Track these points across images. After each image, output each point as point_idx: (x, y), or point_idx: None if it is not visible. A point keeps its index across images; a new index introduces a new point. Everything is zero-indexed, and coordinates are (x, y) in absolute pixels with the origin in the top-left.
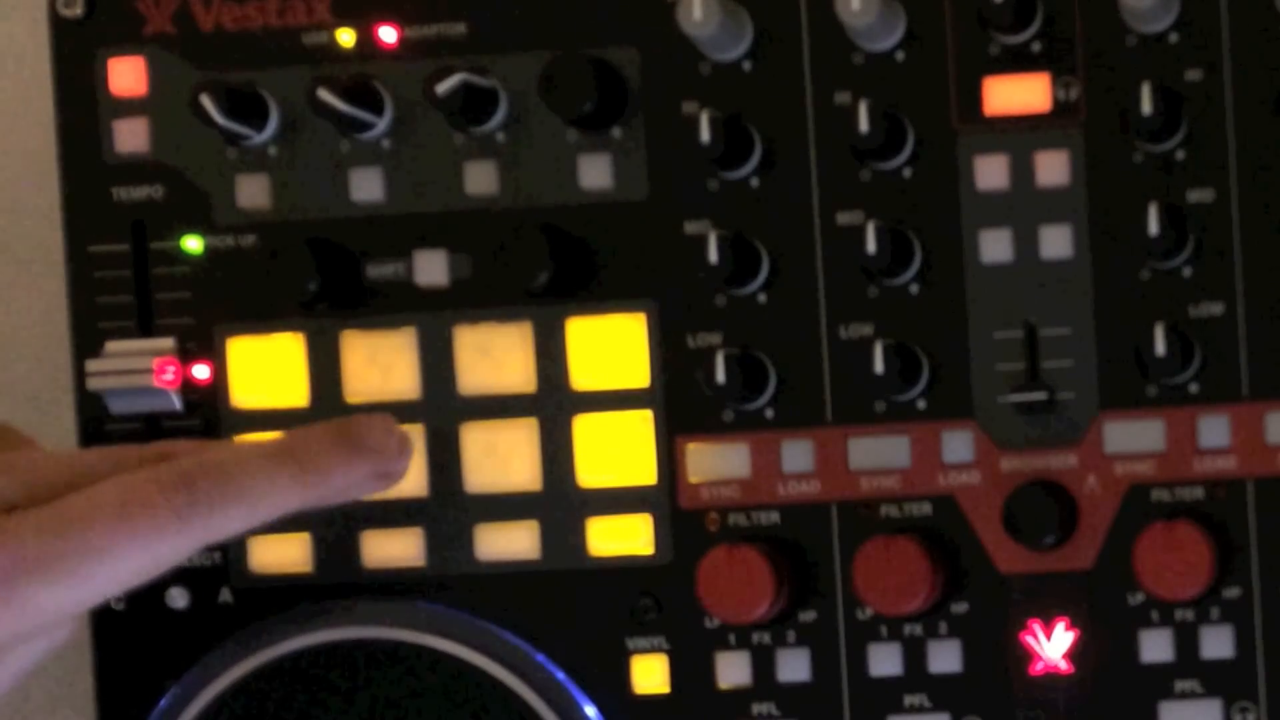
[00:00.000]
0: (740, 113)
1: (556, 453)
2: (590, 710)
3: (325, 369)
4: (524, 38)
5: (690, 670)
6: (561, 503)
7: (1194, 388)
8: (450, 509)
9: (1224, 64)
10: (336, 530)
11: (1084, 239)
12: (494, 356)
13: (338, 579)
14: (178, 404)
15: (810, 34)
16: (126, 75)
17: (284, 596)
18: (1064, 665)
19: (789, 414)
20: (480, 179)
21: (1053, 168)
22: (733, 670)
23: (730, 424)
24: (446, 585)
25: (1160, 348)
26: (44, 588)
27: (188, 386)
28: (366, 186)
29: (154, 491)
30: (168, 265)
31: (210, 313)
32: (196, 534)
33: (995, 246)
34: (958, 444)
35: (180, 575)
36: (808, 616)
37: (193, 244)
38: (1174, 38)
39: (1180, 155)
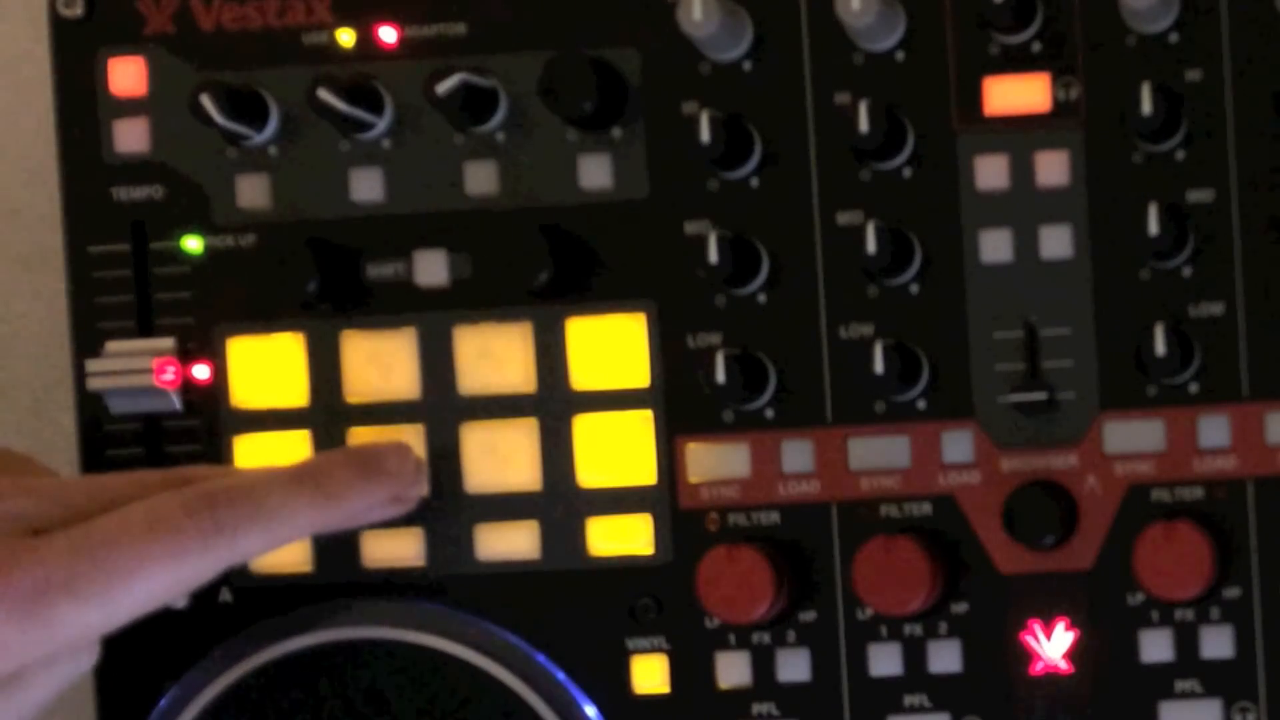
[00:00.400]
0: (740, 113)
1: (556, 453)
2: (590, 710)
3: (325, 369)
4: (524, 38)
5: (690, 670)
6: (561, 503)
7: (1194, 388)
8: (450, 509)
9: (1224, 64)
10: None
11: (1084, 239)
12: (494, 356)
13: (338, 579)
14: (178, 404)
15: (810, 34)
16: (126, 75)
17: (284, 596)
18: (1064, 665)
19: (789, 414)
20: (480, 179)
21: (1053, 168)
22: (733, 670)
23: (730, 424)
24: (446, 585)
25: (1160, 348)
26: (71, 607)
27: (188, 386)
28: (366, 186)
29: (179, 513)
30: (168, 265)
31: (210, 313)
32: (220, 555)
33: (995, 246)
34: (958, 444)
35: None
36: (808, 616)
37: (193, 244)
38: (1174, 38)
39: (1180, 155)
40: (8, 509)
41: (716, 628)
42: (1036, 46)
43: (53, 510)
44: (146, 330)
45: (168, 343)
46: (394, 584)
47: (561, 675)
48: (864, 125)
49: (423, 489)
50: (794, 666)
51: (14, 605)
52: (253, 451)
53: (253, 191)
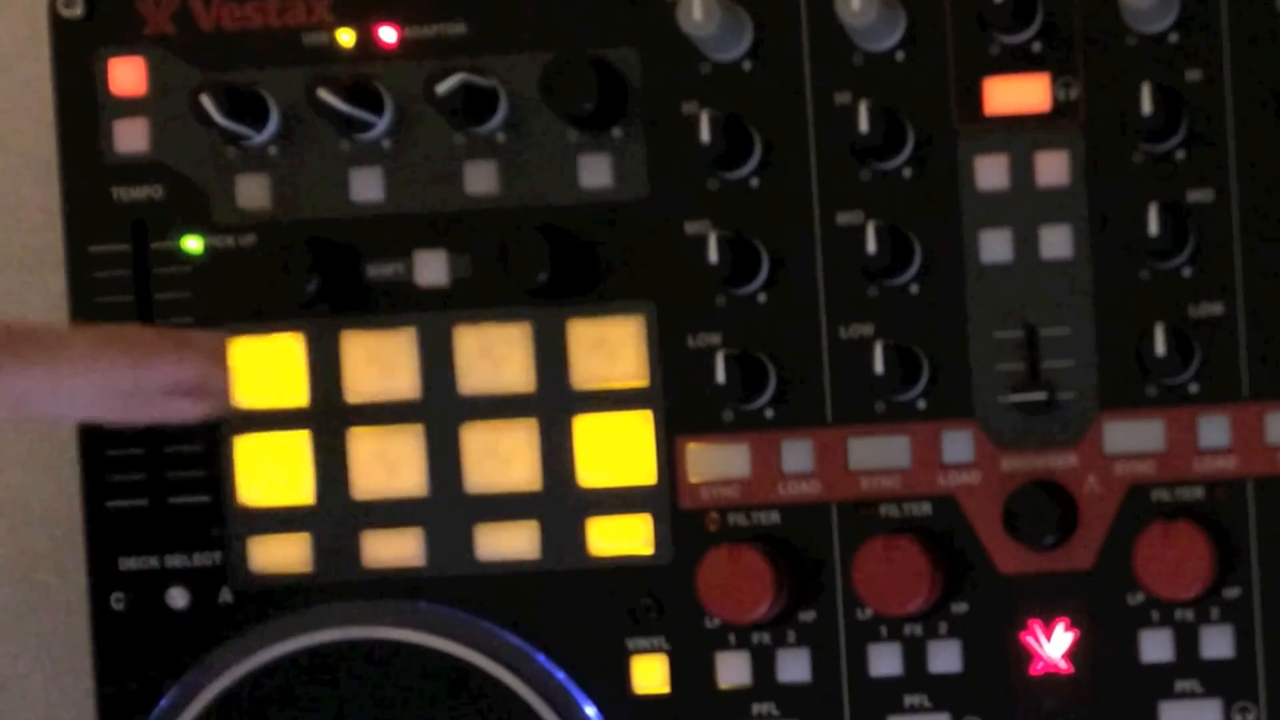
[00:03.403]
0: (740, 113)
1: (556, 453)
2: (590, 710)
3: (325, 369)
4: (524, 38)
5: (690, 670)
6: (561, 503)
7: (1194, 388)
8: (450, 509)
9: (1224, 64)
10: (336, 530)
11: (1084, 239)
12: (494, 356)
13: (338, 579)
14: None
15: (810, 34)
16: (126, 75)
17: (284, 596)
18: (1064, 665)
19: (789, 414)
20: (480, 179)
21: (1053, 168)
22: (733, 670)
23: (730, 424)
24: (446, 585)
25: (1160, 348)
26: None
27: None
28: (366, 186)
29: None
30: (168, 265)
31: (210, 313)
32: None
33: (995, 246)
34: (958, 444)
35: (180, 575)
36: (808, 616)
37: (193, 244)
38: (1174, 38)
39: (1180, 155)
40: None
41: (716, 628)
42: (1036, 46)
43: None
44: None
45: None
46: (394, 584)
47: (561, 675)
48: (864, 125)
49: (225, 380)
50: (794, 666)
51: None
52: (253, 451)
53: (253, 191)
